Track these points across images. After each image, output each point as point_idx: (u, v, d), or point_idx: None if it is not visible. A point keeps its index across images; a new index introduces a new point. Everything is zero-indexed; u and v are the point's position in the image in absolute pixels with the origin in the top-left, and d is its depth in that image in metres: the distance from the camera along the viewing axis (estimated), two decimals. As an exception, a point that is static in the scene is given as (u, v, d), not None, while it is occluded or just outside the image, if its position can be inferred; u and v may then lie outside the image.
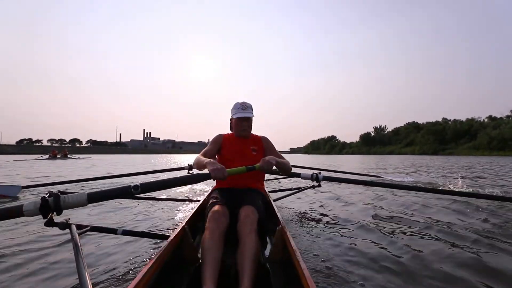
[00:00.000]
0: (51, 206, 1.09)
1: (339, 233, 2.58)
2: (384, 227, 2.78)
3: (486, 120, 78.67)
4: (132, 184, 1.20)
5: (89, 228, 1.47)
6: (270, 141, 2.20)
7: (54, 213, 1.14)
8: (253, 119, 2.15)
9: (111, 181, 6.53)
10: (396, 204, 4.00)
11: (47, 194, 1.13)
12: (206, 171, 1.52)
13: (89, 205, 1.18)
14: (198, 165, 1.78)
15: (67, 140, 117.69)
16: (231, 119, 2.15)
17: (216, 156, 2.12)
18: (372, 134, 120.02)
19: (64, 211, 1.13)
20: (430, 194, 4.45)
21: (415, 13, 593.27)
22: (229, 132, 2.24)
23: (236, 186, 1.91)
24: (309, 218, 3.19)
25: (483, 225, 2.87)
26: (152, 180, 1.28)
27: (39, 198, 1.10)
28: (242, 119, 2.05)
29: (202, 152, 2.05)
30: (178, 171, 4.80)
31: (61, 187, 4.85)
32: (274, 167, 1.78)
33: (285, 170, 1.91)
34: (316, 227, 2.83)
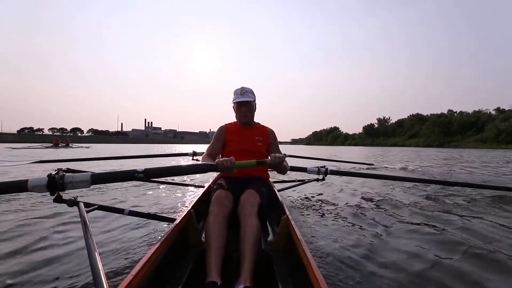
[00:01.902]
0: (57, 184, 1.07)
1: (344, 224, 2.56)
2: (390, 218, 2.77)
3: (493, 112, 76.82)
4: (137, 169, 1.17)
5: (96, 206, 1.48)
6: (276, 137, 2.15)
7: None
8: (257, 106, 2.09)
9: (118, 161, 6.98)
10: (400, 195, 4.01)
11: (55, 170, 1.13)
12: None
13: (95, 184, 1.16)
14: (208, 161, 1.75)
15: (68, 129, 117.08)
16: (233, 107, 2.05)
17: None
18: (376, 125, 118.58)
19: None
20: (438, 186, 4.60)
21: (420, 4, 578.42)
22: (234, 121, 2.15)
23: (241, 175, 1.85)
24: (314, 209, 3.16)
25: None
26: (157, 167, 1.24)
27: (45, 175, 1.09)
28: (241, 103, 1.97)
29: (207, 151, 1.99)
30: (181, 156, 4.89)
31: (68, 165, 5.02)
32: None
33: (284, 171, 1.92)
34: (321, 217, 2.79)
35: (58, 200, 1.22)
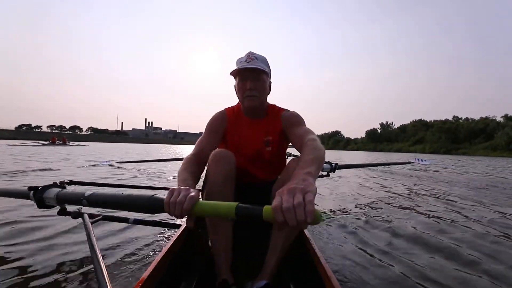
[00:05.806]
0: (36, 197, 1.05)
1: (351, 221, 2.55)
2: (399, 214, 2.75)
3: (502, 119, 75.43)
4: (85, 193, 0.93)
5: (101, 217, 1.47)
6: (295, 117, 1.27)
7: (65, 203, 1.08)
8: (271, 88, 1.33)
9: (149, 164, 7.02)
10: (407, 190, 4.08)
11: (57, 182, 1.13)
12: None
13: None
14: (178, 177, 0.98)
15: (67, 127, 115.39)
16: (234, 86, 1.28)
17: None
18: (379, 130, 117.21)
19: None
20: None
21: (421, 10, 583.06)
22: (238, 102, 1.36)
23: (245, 181, 1.28)
24: (320, 205, 3.19)
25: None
26: (105, 193, 0.93)
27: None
28: (246, 74, 1.17)
29: (194, 148, 1.20)
30: (175, 161, 5.16)
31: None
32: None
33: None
34: (327, 214, 2.84)
35: (63, 213, 1.21)
